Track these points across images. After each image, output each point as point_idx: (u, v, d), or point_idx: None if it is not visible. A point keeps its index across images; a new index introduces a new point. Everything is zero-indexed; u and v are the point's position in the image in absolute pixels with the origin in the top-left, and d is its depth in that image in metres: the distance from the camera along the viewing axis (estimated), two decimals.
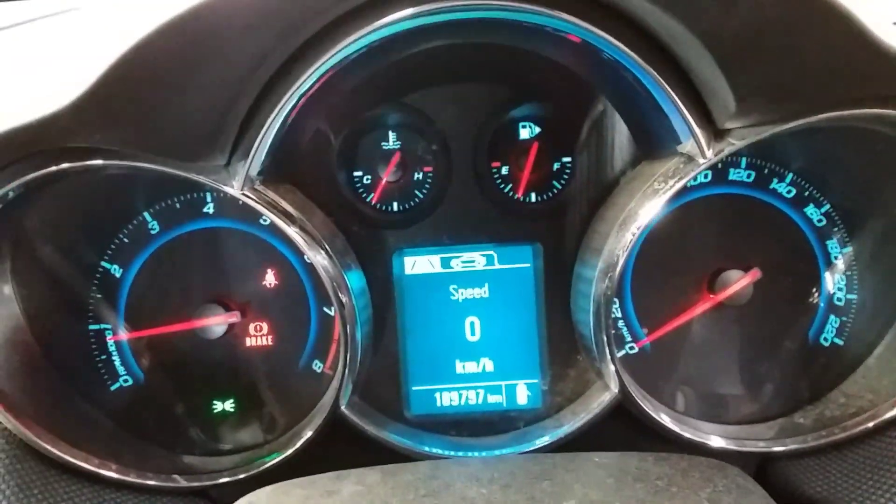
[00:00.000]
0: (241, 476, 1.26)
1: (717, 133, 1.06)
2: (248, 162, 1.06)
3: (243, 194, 1.09)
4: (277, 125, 1.05)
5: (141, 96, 0.87)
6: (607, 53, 1.01)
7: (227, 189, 1.09)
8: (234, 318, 1.35)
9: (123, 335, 1.37)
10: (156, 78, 0.87)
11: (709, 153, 1.05)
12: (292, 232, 1.15)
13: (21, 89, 1.02)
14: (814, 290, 1.37)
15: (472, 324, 1.42)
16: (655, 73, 0.98)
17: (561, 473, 0.99)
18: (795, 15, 0.86)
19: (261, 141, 1.05)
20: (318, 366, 1.39)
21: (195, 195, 1.35)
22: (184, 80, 0.89)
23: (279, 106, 1.02)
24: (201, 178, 1.06)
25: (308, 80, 1.00)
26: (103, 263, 1.36)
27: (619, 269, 1.16)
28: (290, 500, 0.99)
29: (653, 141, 1.20)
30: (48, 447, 1.14)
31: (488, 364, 1.42)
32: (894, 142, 1.14)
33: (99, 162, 1.00)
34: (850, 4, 0.86)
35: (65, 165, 1.00)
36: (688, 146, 1.08)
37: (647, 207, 1.12)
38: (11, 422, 1.12)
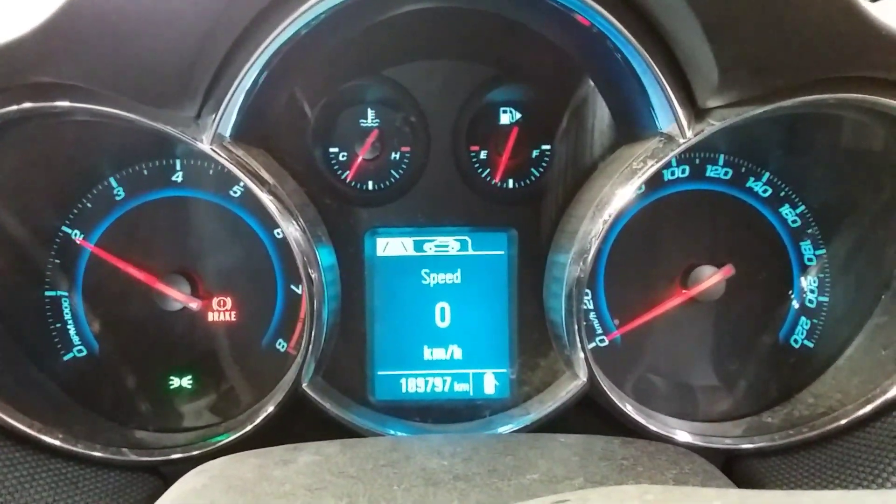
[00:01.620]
0: (195, 453, 1.21)
1: (698, 113, 1.06)
2: (218, 115, 1.03)
3: (212, 150, 1.06)
4: (251, 79, 1.03)
5: (109, 25, 0.84)
6: (594, 25, 1.00)
7: (196, 143, 1.06)
8: (194, 304, 1.30)
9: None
10: (125, 7, 0.83)
11: (689, 132, 1.05)
12: (263, 196, 1.12)
13: None
14: (786, 290, 1.37)
15: (442, 310, 1.39)
16: (638, 44, 0.97)
17: (525, 450, 0.96)
18: None
19: (233, 93, 1.02)
20: (281, 345, 1.35)
21: (164, 162, 1.31)
22: (153, 11, 0.85)
23: (253, 57, 0.99)
24: (168, 129, 1.03)
25: (285, 30, 0.98)
26: (64, 228, 1.31)
27: (592, 252, 1.15)
28: (244, 469, 0.95)
29: (634, 124, 1.19)
30: None
31: (457, 351, 1.39)
32: (869, 132, 1.14)
33: (65, 103, 0.95)
34: None
35: (27, 105, 0.96)
36: (668, 127, 1.08)
37: (623, 189, 1.11)
38: None
